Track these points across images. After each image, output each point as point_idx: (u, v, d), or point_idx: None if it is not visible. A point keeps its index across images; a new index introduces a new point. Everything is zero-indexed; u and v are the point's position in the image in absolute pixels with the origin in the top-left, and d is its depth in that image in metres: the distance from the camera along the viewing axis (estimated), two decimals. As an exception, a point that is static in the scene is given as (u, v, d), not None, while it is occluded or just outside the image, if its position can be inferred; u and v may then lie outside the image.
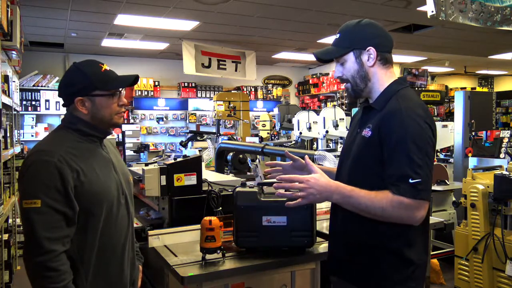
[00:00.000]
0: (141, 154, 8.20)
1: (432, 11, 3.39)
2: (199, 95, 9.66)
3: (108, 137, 1.73)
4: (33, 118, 7.92)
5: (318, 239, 2.18)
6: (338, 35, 1.65)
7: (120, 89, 1.64)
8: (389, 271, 1.54)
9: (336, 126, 5.04)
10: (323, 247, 2.15)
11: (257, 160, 4.15)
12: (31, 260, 1.42)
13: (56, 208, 1.44)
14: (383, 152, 1.51)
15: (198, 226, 1.93)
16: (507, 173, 3.16)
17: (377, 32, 1.63)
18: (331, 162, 2.65)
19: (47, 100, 7.97)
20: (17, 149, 4.65)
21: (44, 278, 1.42)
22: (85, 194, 1.51)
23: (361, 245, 1.59)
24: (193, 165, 2.49)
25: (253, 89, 10.34)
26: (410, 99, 1.56)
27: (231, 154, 4.74)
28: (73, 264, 1.50)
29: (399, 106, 1.51)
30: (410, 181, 1.44)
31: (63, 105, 1.64)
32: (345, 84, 1.66)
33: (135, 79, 1.65)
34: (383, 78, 1.62)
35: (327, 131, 5.09)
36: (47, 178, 1.44)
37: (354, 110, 4.42)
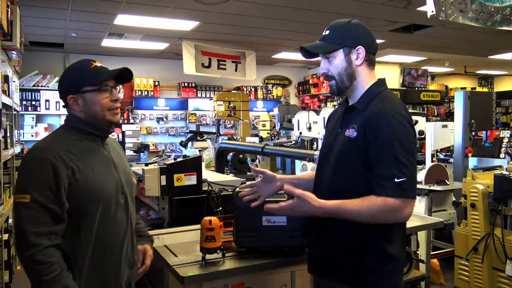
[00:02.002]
0: (141, 154, 8.19)
1: (432, 11, 3.39)
2: (199, 95, 9.66)
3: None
4: (33, 118, 7.91)
5: (318, 239, 2.18)
6: (327, 31, 1.68)
7: (112, 84, 1.63)
8: (373, 267, 1.58)
9: (336, 126, 5.03)
10: (323, 247, 2.15)
11: (257, 160, 4.15)
12: (21, 254, 1.45)
13: (43, 204, 1.45)
14: (368, 152, 1.53)
15: (198, 226, 1.93)
16: (507, 173, 3.16)
17: (367, 33, 1.66)
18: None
19: (47, 100, 7.97)
20: (17, 149, 4.65)
21: (33, 272, 1.44)
22: (80, 191, 1.51)
23: (346, 245, 1.61)
24: (193, 165, 2.49)
25: (253, 89, 10.34)
26: (392, 100, 1.61)
27: (231, 154, 4.74)
28: (67, 261, 1.51)
29: (384, 107, 1.56)
30: (396, 180, 1.48)
31: (63, 106, 1.67)
32: (329, 81, 1.67)
33: (124, 72, 1.64)
34: (367, 79, 1.65)
35: (327, 131, 5.08)
36: (40, 174, 1.47)
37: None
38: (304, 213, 1.55)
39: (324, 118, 5.12)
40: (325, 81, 1.76)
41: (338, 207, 1.52)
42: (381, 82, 1.68)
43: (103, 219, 1.57)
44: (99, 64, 1.63)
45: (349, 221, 1.55)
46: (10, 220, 4.46)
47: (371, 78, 1.66)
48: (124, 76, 1.67)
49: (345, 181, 1.60)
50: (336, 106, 5.30)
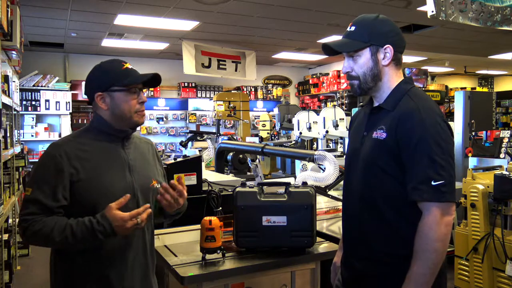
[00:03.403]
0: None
1: (432, 11, 3.39)
2: (199, 95, 9.66)
3: None
4: (33, 118, 7.90)
5: (318, 239, 2.18)
6: (353, 28, 1.55)
7: (140, 87, 1.64)
8: None
9: (336, 126, 5.04)
10: (323, 247, 2.15)
11: (257, 160, 4.15)
12: (26, 238, 1.50)
13: (39, 200, 1.49)
14: (401, 154, 1.43)
15: (198, 226, 1.93)
16: (507, 173, 3.16)
17: (396, 30, 1.56)
18: (331, 162, 2.65)
19: (47, 100, 7.96)
20: (17, 149, 4.65)
21: (43, 240, 1.48)
22: (82, 190, 1.52)
23: (385, 256, 1.49)
24: (193, 165, 2.49)
25: (253, 89, 10.34)
26: (424, 98, 1.50)
27: (231, 154, 4.74)
28: (67, 259, 1.54)
29: (416, 106, 1.45)
30: (433, 183, 1.37)
31: (88, 104, 1.70)
32: (351, 80, 1.56)
33: (154, 78, 1.65)
34: (393, 79, 1.54)
35: (327, 131, 5.08)
36: (43, 171, 1.52)
37: (354, 110, 4.40)
38: None
39: (324, 118, 5.12)
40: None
41: (409, 277, 1.41)
42: (409, 80, 1.56)
43: None
44: (130, 66, 1.65)
45: (386, 231, 1.46)
46: (10, 220, 4.46)
47: (397, 77, 1.55)
48: (152, 81, 1.68)
49: (376, 185, 1.48)
50: (336, 106, 5.32)
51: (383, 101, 1.54)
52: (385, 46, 1.51)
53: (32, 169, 1.58)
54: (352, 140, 1.67)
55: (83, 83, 1.72)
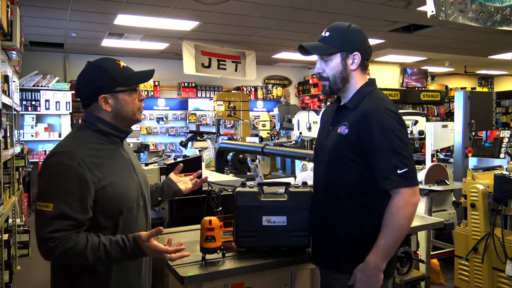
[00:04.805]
0: (141, 154, 8.19)
1: (432, 11, 3.39)
2: (199, 95, 9.66)
3: None
4: (33, 118, 7.91)
5: (318, 239, 2.18)
6: (327, 33, 1.74)
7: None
8: (364, 255, 1.65)
9: (336, 126, 5.03)
10: (323, 247, 2.15)
11: (257, 160, 4.15)
12: (54, 257, 1.43)
13: (66, 214, 1.40)
14: (363, 148, 1.63)
15: (198, 226, 1.93)
16: (507, 173, 3.16)
17: (364, 40, 1.75)
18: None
19: (47, 100, 7.96)
20: (17, 149, 4.65)
21: (74, 259, 1.42)
22: (106, 197, 1.47)
23: (350, 241, 1.70)
24: (193, 165, 2.49)
25: (253, 89, 10.34)
26: (383, 99, 1.71)
27: (231, 154, 4.75)
28: (95, 268, 1.49)
29: (376, 106, 1.66)
30: (399, 171, 1.58)
31: (83, 106, 1.61)
32: (323, 81, 1.77)
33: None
34: (359, 82, 1.74)
35: (327, 131, 5.08)
36: (64, 183, 1.42)
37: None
38: (369, 278, 1.62)
39: (324, 118, 5.12)
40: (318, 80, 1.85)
41: (376, 247, 1.61)
42: (371, 82, 1.77)
43: (127, 223, 1.54)
44: (125, 64, 1.61)
45: (350, 214, 1.68)
46: (10, 220, 4.46)
47: (363, 80, 1.76)
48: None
49: (338, 174, 1.70)
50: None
51: (348, 101, 1.75)
52: (354, 53, 1.71)
53: (45, 182, 1.45)
54: (321, 132, 1.89)
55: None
